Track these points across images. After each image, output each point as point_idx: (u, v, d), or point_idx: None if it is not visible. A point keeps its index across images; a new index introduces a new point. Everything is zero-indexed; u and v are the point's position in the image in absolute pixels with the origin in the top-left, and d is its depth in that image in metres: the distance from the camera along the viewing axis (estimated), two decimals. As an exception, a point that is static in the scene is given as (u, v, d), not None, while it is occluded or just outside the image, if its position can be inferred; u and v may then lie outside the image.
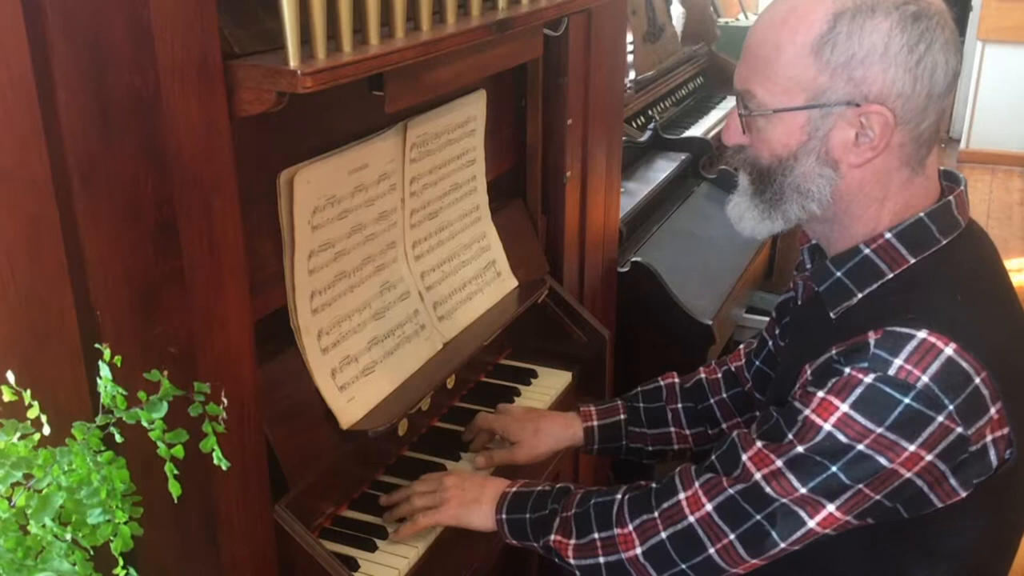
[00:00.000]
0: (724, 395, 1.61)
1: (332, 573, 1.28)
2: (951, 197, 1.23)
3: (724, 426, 1.61)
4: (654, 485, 1.30)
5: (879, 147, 1.17)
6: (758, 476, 1.18)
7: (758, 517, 1.19)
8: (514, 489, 1.42)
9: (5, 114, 1.05)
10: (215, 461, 0.95)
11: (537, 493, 1.39)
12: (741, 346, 1.64)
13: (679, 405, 1.62)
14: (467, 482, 1.45)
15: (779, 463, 1.17)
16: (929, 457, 1.11)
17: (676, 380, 1.65)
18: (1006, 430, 1.14)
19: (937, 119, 1.18)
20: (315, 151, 1.36)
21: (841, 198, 1.21)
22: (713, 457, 1.26)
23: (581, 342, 1.94)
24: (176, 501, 0.93)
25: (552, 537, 1.34)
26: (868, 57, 1.13)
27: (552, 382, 1.87)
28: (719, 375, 1.63)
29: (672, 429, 1.62)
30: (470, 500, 1.42)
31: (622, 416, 1.63)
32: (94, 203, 1.06)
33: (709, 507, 1.22)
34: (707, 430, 1.62)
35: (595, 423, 1.63)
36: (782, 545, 1.19)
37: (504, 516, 1.39)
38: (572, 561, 1.32)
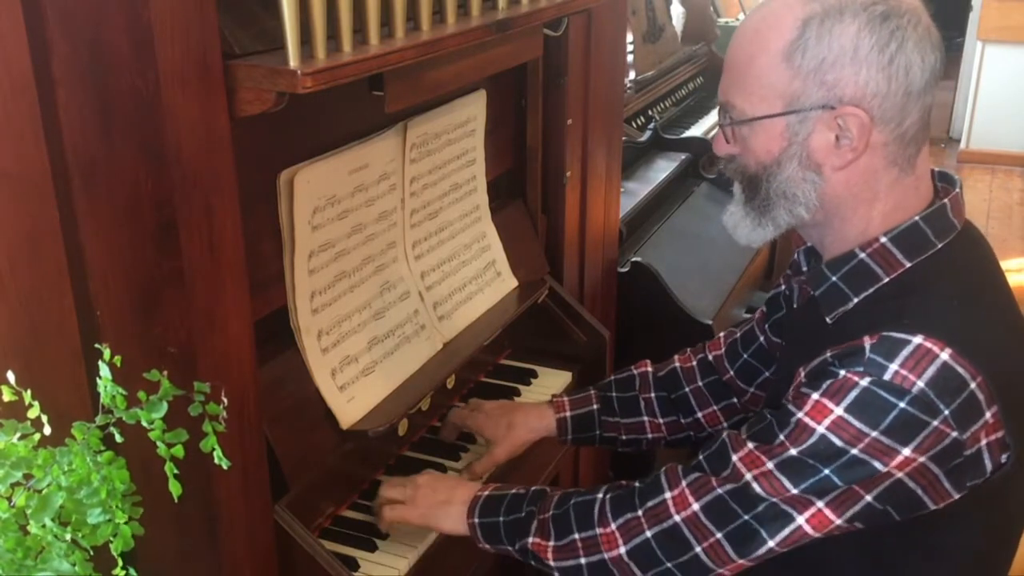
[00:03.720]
0: (700, 383, 1.60)
1: (332, 573, 1.28)
2: (946, 200, 1.23)
3: (699, 415, 1.60)
4: (637, 484, 1.29)
5: (859, 148, 1.17)
6: (748, 476, 1.17)
7: (746, 517, 1.18)
8: (487, 492, 1.39)
9: (5, 114, 1.05)
10: (215, 461, 0.95)
11: (511, 496, 1.37)
12: (721, 335, 1.64)
13: (652, 394, 1.62)
14: (439, 483, 1.43)
15: (770, 465, 1.16)
16: (922, 459, 1.11)
17: (649, 369, 1.65)
18: (1001, 434, 1.14)
19: (921, 117, 1.18)
20: (315, 151, 1.36)
21: (829, 201, 1.21)
22: (701, 457, 1.25)
23: (581, 342, 1.94)
24: (176, 501, 0.93)
25: (530, 539, 1.32)
26: (838, 60, 1.14)
27: (552, 382, 1.87)
28: (694, 363, 1.62)
29: (645, 418, 1.62)
30: (440, 501, 1.39)
31: (595, 406, 1.63)
32: (94, 203, 1.06)
33: (696, 506, 1.21)
34: (680, 419, 1.61)
35: (568, 414, 1.63)
36: (771, 544, 1.18)
37: (476, 520, 1.37)
38: (552, 563, 1.30)
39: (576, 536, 1.29)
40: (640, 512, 1.25)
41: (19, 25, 1.00)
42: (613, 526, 1.27)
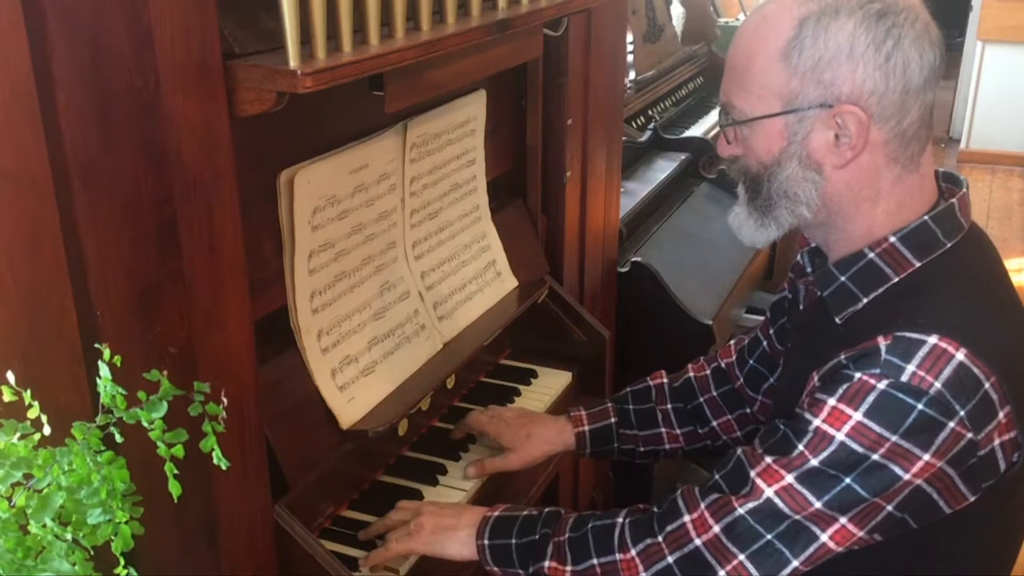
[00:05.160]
0: (714, 393, 1.60)
1: (332, 573, 1.28)
2: (954, 200, 1.22)
3: (714, 424, 1.60)
4: (656, 509, 1.27)
5: (858, 146, 1.17)
6: (769, 492, 1.16)
7: (769, 536, 1.16)
8: (496, 513, 1.37)
9: (5, 114, 1.05)
10: (215, 461, 0.95)
11: (523, 517, 1.34)
12: (732, 342, 1.63)
13: (669, 405, 1.61)
14: (443, 509, 1.40)
15: (790, 478, 1.15)
16: (940, 464, 1.11)
17: (665, 380, 1.64)
18: (1013, 433, 1.14)
19: (922, 114, 1.18)
20: (315, 151, 1.36)
21: (830, 200, 1.21)
22: (717, 476, 1.23)
23: (581, 342, 1.94)
24: (176, 501, 0.93)
25: (546, 563, 1.29)
26: (835, 58, 1.15)
27: (552, 382, 1.87)
28: (708, 372, 1.62)
29: (663, 429, 1.61)
30: (446, 526, 1.36)
31: (613, 419, 1.62)
32: (94, 203, 1.06)
33: (717, 528, 1.19)
34: (697, 429, 1.61)
35: (586, 428, 1.61)
36: (795, 563, 1.16)
37: (487, 541, 1.34)
38: None
39: (595, 561, 1.27)
40: (660, 537, 1.24)
41: (19, 25, 1.00)
42: (633, 552, 1.25)
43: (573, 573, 1.28)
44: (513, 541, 1.33)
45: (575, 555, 1.28)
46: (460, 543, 1.36)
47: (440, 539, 1.36)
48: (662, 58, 3.26)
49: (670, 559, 1.22)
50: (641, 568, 1.24)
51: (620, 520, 1.28)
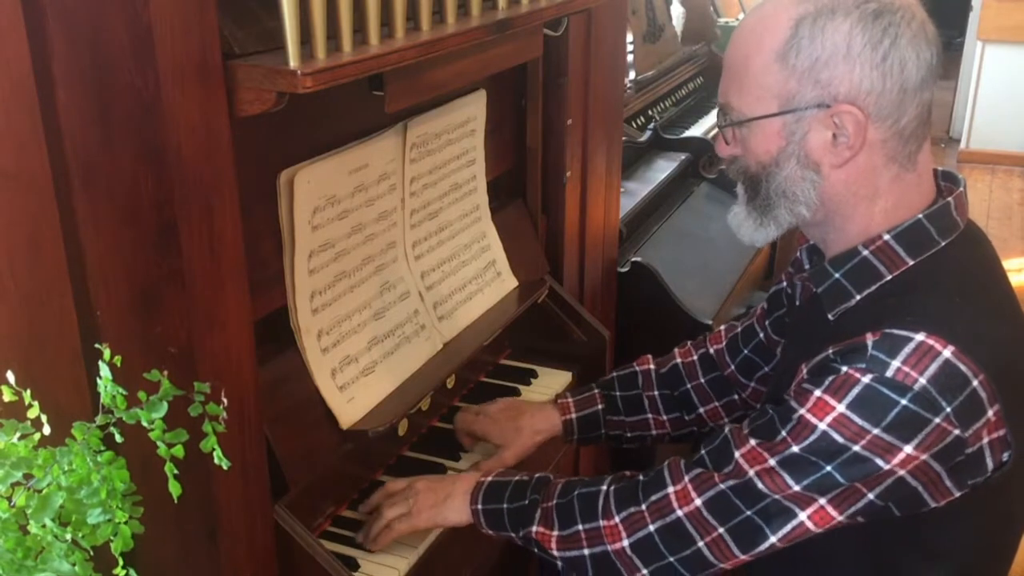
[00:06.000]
0: (702, 380, 1.61)
1: (332, 573, 1.28)
2: (950, 199, 1.23)
3: (701, 411, 1.61)
4: (641, 477, 1.30)
5: (855, 146, 1.18)
6: (751, 473, 1.18)
7: (749, 512, 1.19)
8: (489, 479, 1.41)
9: (5, 114, 1.05)
10: (215, 461, 0.95)
11: (515, 483, 1.38)
12: (722, 328, 1.64)
13: (655, 392, 1.63)
14: (437, 483, 1.44)
15: (772, 462, 1.17)
16: (924, 457, 1.11)
17: (651, 366, 1.65)
18: (1003, 432, 1.14)
19: (920, 114, 1.19)
20: (315, 151, 1.36)
21: (829, 199, 1.22)
22: (703, 451, 1.26)
23: (581, 342, 1.94)
24: (176, 501, 0.93)
25: (534, 528, 1.33)
26: (832, 58, 1.15)
27: (552, 382, 1.87)
28: (695, 358, 1.63)
29: (649, 416, 1.63)
30: (442, 497, 1.40)
31: (600, 406, 1.63)
32: (94, 203, 1.06)
33: (699, 502, 1.22)
34: (683, 415, 1.62)
35: (573, 415, 1.63)
36: (773, 539, 1.18)
37: (480, 506, 1.38)
38: (555, 553, 1.32)
39: (580, 527, 1.30)
40: (643, 506, 1.26)
41: (19, 25, 1.00)
42: (617, 519, 1.28)
43: (559, 538, 1.31)
44: (504, 506, 1.37)
45: (561, 520, 1.31)
46: (456, 511, 1.40)
47: (439, 511, 1.40)
48: (662, 58, 3.26)
49: (652, 528, 1.25)
50: (624, 535, 1.27)
51: (604, 488, 1.31)
